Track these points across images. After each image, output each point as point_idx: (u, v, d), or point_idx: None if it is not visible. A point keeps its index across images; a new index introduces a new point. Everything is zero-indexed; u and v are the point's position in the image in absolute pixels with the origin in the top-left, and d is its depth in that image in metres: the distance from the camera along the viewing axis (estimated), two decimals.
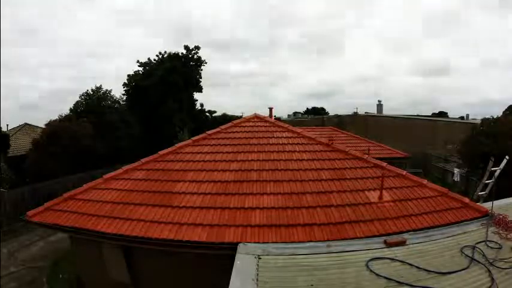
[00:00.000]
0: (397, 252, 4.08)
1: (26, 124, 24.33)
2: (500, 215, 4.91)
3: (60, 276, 8.79)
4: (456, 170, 13.02)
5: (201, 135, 7.92)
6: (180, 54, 26.84)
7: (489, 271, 3.46)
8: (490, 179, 7.48)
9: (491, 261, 3.68)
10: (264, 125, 8.39)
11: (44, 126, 19.34)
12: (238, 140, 7.54)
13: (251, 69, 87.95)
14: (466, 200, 5.50)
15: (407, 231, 4.69)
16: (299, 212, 5.14)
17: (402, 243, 4.27)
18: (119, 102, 24.15)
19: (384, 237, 4.51)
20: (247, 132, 7.99)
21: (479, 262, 3.66)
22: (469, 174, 13.42)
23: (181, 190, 5.82)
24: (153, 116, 24.44)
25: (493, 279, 3.29)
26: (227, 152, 7.03)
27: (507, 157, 7.71)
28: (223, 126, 8.39)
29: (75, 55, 61.70)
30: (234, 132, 8.03)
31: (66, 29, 66.41)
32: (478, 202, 6.10)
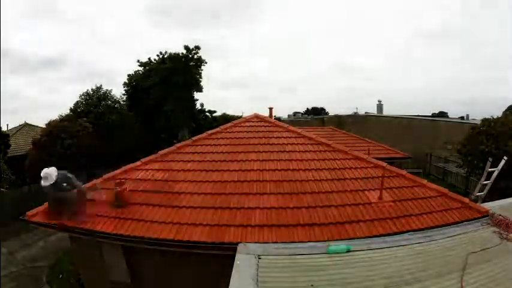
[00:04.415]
0: (398, 252, 4.08)
1: (26, 124, 24.31)
2: (500, 215, 4.91)
3: (60, 276, 8.79)
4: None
5: (201, 135, 7.92)
6: (180, 54, 26.82)
7: (489, 271, 3.46)
8: (488, 180, 7.48)
9: (491, 261, 3.67)
10: (264, 125, 8.40)
11: (44, 126, 19.33)
12: (238, 140, 7.55)
13: None
14: (466, 200, 5.50)
15: (407, 231, 4.69)
16: (299, 212, 5.14)
17: None
18: (119, 102, 24.11)
19: (385, 237, 4.52)
20: (247, 132, 8.00)
21: (479, 262, 3.66)
22: (469, 174, 13.41)
23: (181, 190, 5.82)
24: (153, 116, 24.44)
25: (493, 280, 3.29)
26: (227, 152, 7.03)
27: (505, 158, 7.71)
28: (223, 126, 8.40)
29: None
30: (234, 132, 8.03)
31: None
32: (476, 203, 6.09)
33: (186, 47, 26.99)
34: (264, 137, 7.65)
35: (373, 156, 8.41)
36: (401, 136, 21.12)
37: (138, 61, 26.90)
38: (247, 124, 8.48)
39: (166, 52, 26.94)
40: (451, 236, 4.46)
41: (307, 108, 57.99)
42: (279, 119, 23.50)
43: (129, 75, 26.45)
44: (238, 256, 4.02)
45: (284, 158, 6.74)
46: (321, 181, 5.93)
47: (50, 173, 5.63)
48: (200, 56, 27.34)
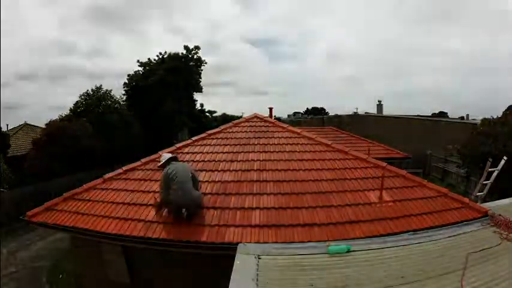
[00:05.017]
0: (398, 252, 4.08)
1: (26, 124, 24.34)
2: (500, 215, 4.91)
3: (60, 276, 8.80)
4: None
5: (201, 135, 7.92)
6: (180, 54, 26.86)
7: (489, 271, 3.46)
8: (488, 180, 7.49)
9: (491, 261, 3.67)
10: (264, 125, 8.40)
11: (44, 126, 19.36)
12: (238, 140, 7.55)
13: None
14: (466, 200, 5.50)
15: (408, 231, 4.69)
16: (299, 212, 5.14)
17: None
18: (119, 102, 24.14)
19: (385, 237, 4.52)
20: (247, 132, 8.00)
21: (479, 262, 3.65)
22: (469, 174, 13.43)
23: None
24: (153, 116, 24.49)
25: (493, 280, 3.29)
26: (227, 152, 7.03)
27: (505, 158, 7.72)
28: (223, 126, 8.40)
29: None
30: (234, 132, 8.03)
31: None
32: (476, 203, 6.10)
33: (186, 47, 27.09)
34: (264, 137, 7.65)
35: (373, 156, 8.41)
36: (402, 136, 21.14)
37: (138, 61, 26.98)
38: (247, 124, 8.48)
39: (166, 52, 27.02)
40: (451, 236, 4.46)
41: (307, 108, 58.05)
42: (279, 119, 23.51)
43: (129, 75, 26.51)
44: (238, 256, 4.01)
45: (284, 158, 6.73)
46: (321, 181, 5.93)
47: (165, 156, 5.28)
48: (200, 56, 27.44)
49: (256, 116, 8.92)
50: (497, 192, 8.21)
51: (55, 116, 21.66)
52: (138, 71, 26.66)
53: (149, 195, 5.77)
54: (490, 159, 7.82)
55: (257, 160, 6.65)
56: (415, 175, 6.36)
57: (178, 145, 7.58)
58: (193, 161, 6.77)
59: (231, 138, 7.70)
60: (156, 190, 5.85)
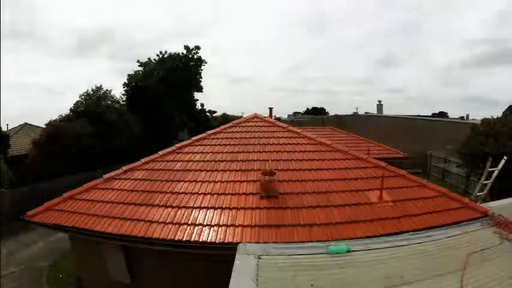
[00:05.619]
0: (398, 252, 4.08)
1: (26, 124, 24.31)
2: (500, 215, 4.91)
3: (60, 276, 8.80)
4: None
5: (201, 135, 7.93)
6: (180, 54, 26.84)
7: (489, 271, 3.46)
8: (488, 180, 7.49)
9: (491, 261, 3.67)
10: (264, 125, 8.40)
11: (44, 126, 19.34)
12: (238, 140, 7.56)
13: None
14: (466, 200, 5.50)
15: (408, 231, 4.69)
16: (299, 212, 5.14)
17: None
18: (118, 102, 24.11)
19: (385, 237, 4.52)
20: (247, 132, 8.01)
21: (479, 262, 3.65)
22: (469, 174, 13.42)
23: (181, 190, 5.82)
24: (153, 116, 24.44)
25: (493, 280, 3.29)
26: (227, 152, 7.03)
27: (505, 158, 7.72)
28: (223, 126, 8.41)
29: None
30: (234, 132, 8.04)
31: None
32: (476, 202, 6.09)
33: (186, 47, 27.04)
34: (264, 137, 7.66)
35: (373, 156, 8.41)
36: (402, 136, 21.09)
37: (138, 61, 26.92)
38: (247, 124, 8.49)
39: (166, 52, 26.98)
40: (451, 236, 4.45)
41: (307, 108, 58.06)
42: (279, 119, 23.51)
43: (129, 75, 26.42)
44: (238, 256, 4.01)
45: (284, 158, 6.74)
46: (321, 181, 5.93)
47: None
48: (200, 56, 27.40)
49: (256, 116, 8.92)
50: (497, 192, 8.21)
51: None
52: (138, 71, 26.64)
53: (149, 195, 5.78)
54: (490, 159, 7.82)
55: (257, 160, 6.66)
56: (415, 175, 6.36)
57: (178, 145, 7.59)
58: (193, 161, 6.78)
59: (231, 138, 7.71)
60: (156, 190, 5.84)
